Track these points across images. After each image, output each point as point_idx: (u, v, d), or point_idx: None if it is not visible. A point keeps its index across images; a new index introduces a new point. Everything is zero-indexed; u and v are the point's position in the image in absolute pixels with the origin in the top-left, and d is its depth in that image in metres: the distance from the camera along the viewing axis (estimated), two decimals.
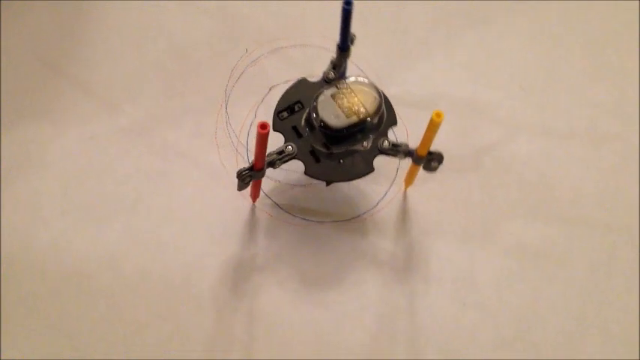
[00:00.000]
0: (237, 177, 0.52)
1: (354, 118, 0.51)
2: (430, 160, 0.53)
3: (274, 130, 0.54)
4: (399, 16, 0.68)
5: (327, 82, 0.55)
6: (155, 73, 0.64)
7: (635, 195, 0.61)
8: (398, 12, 0.68)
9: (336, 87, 0.51)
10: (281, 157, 0.54)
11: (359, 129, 0.51)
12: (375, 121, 0.52)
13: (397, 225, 0.59)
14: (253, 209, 0.59)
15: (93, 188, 0.59)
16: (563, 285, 0.57)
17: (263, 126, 0.47)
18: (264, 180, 0.60)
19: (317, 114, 0.51)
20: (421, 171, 0.57)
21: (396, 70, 0.64)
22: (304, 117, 0.53)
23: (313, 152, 0.54)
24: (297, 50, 0.61)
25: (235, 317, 0.56)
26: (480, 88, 0.65)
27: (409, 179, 0.58)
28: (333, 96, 0.51)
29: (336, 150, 0.53)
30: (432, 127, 0.50)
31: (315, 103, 0.51)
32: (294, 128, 0.54)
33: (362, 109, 0.51)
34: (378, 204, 0.60)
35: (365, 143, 0.53)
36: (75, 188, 0.59)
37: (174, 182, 0.60)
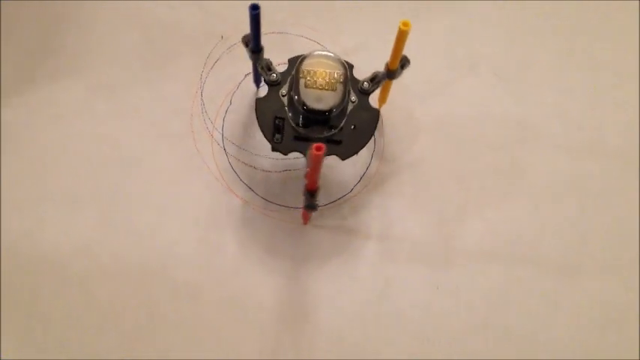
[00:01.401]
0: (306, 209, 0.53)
1: (339, 88, 0.52)
2: (402, 66, 0.55)
3: (289, 60, 0.56)
4: (372, 2, 0.68)
5: (272, 84, 0.55)
6: (131, 59, 0.64)
7: (607, 180, 0.62)
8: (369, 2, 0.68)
9: (298, 76, 0.53)
10: (264, 69, 0.55)
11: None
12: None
13: (372, 210, 0.59)
14: (229, 195, 0.59)
15: (68, 175, 0.59)
16: (535, 269, 0.58)
17: (318, 148, 0.44)
18: (240, 167, 0.60)
19: (305, 105, 0.52)
20: (397, 157, 0.57)
21: (370, 54, 0.65)
22: (289, 118, 0.55)
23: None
24: (272, 37, 0.61)
25: (211, 302, 0.56)
26: (454, 74, 0.65)
27: (383, 97, 0.59)
28: (305, 85, 0.52)
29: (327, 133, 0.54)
30: (401, 38, 0.51)
31: (297, 97, 0.52)
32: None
33: (335, 76, 0.53)
34: (352, 189, 0.60)
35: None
36: (49, 175, 0.59)
37: (150, 168, 0.60)
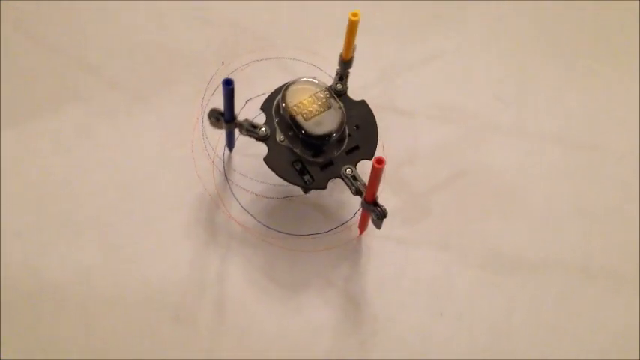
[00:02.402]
0: (208, 114, 0.53)
1: (332, 103, 0.54)
2: (373, 211, 0.52)
3: (261, 108, 0.56)
4: (374, 22, 0.68)
5: (265, 139, 0.55)
6: (132, 85, 0.64)
7: (608, 202, 0.62)
8: (374, 18, 0.68)
9: (293, 116, 0.53)
10: (250, 130, 0.54)
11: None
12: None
13: (374, 237, 0.59)
14: (229, 222, 0.59)
15: (68, 201, 0.59)
16: (537, 294, 0.58)
17: (379, 161, 0.46)
18: (241, 193, 0.60)
19: (304, 129, 0.53)
20: (397, 180, 0.58)
21: (373, 78, 0.65)
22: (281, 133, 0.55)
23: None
24: (273, 63, 0.61)
25: (211, 328, 0.55)
26: (454, 96, 0.65)
27: (362, 225, 0.58)
28: (305, 119, 0.53)
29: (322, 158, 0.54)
30: (352, 28, 0.52)
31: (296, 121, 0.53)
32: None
33: (321, 95, 0.53)
34: (354, 215, 0.60)
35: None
36: (49, 201, 0.59)
37: (151, 195, 0.60)
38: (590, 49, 0.68)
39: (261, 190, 0.60)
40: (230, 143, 0.58)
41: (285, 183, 0.55)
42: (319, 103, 0.54)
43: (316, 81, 0.54)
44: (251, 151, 0.60)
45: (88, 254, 0.57)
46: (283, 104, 0.54)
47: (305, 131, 0.53)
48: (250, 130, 0.54)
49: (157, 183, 0.60)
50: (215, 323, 0.56)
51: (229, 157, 0.61)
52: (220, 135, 0.62)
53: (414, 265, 0.58)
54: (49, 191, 0.59)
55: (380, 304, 0.57)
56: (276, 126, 0.55)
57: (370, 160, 0.55)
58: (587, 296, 0.58)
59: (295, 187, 0.58)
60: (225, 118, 0.53)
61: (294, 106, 0.53)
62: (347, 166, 0.55)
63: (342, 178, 0.54)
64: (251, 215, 0.59)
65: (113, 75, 0.64)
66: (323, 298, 0.57)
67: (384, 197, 0.60)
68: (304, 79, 0.54)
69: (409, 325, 0.56)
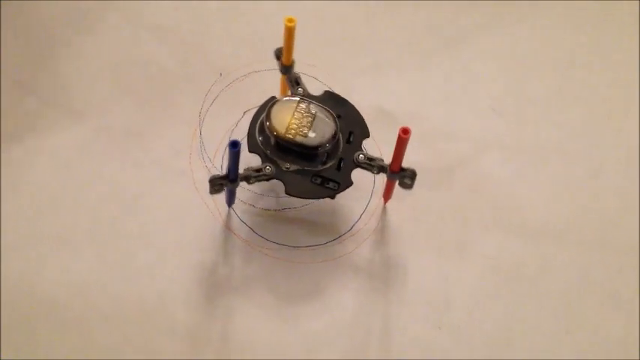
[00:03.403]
0: (210, 182, 0.53)
1: (316, 111, 0.54)
2: (403, 176, 0.54)
3: (250, 151, 0.55)
4: (373, 36, 0.68)
5: (354, 162, 0.56)
6: (129, 97, 0.64)
7: (607, 213, 0.62)
8: (372, 33, 0.68)
9: (289, 140, 0.54)
10: (257, 175, 0.54)
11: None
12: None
13: (372, 249, 0.59)
14: (227, 233, 0.59)
15: (66, 215, 0.59)
16: (537, 306, 0.58)
17: (405, 131, 0.50)
18: (239, 205, 0.60)
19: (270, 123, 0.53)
20: (395, 192, 0.57)
21: (370, 89, 0.65)
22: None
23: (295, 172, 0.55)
24: (270, 74, 0.61)
25: (210, 342, 0.55)
26: (452, 109, 0.65)
27: (387, 194, 0.59)
28: (304, 136, 0.54)
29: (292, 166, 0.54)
30: (400, 144, 0.51)
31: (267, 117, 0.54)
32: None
33: (302, 108, 0.54)
34: (352, 227, 0.60)
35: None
36: (47, 216, 0.58)
37: (149, 207, 0.59)
38: (588, 60, 0.69)
39: (259, 202, 0.60)
40: (231, 200, 0.58)
41: (282, 194, 0.55)
42: (305, 114, 0.54)
43: (287, 95, 0.55)
44: (246, 163, 0.60)
45: (85, 269, 0.57)
46: (275, 133, 0.54)
47: (310, 147, 0.54)
48: (257, 175, 0.54)
49: (154, 196, 0.60)
50: (212, 337, 0.55)
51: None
52: (218, 147, 0.62)
53: (411, 278, 0.58)
54: (46, 206, 0.59)
55: (377, 317, 0.57)
56: (272, 156, 0.54)
57: (369, 137, 0.56)
58: (587, 308, 0.58)
59: (295, 199, 0.59)
60: (230, 178, 0.52)
61: (287, 132, 0.54)
62: (357, 153, 0.55)
63: (360, 165, 0.55)
64: (248, 227, 0.59)
65: (110, 88, 0.64)
66: (320, 310, 0.57)
67: (379, 207, 0.60)
68: (274, 100, 0.55)
69: (407, 338, 0.56)
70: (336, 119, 0.55)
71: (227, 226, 0.59)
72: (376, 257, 0.59)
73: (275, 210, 0.60)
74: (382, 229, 0.60)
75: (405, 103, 0.65)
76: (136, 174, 0.60)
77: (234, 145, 0.49)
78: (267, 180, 0.55)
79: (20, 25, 0.66)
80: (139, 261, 0.57)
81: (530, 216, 0.61)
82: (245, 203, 0.60)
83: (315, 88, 0.59)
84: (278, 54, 0.57)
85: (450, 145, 0.64)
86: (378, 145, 0.62)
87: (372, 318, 0.57)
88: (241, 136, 0.61)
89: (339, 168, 0.55)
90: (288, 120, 0.54)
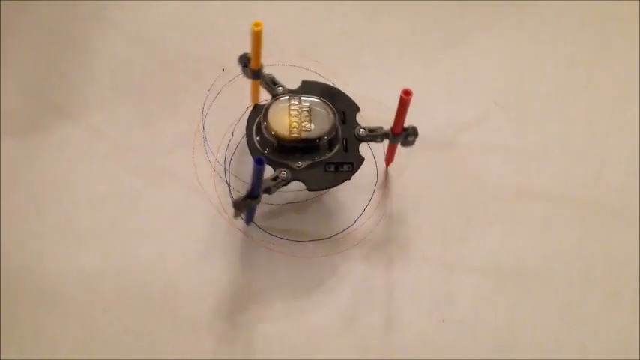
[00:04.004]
0: (235, 206, 0.52)
1: (309, 103, 0.55)
2: (406, 136, 0.55)
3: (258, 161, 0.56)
4: (376, 33, 0.68)
5: (356, 136, 0.57)
6: (133, 92, 0.64)
7: (610, 210, 0.61)
8: (375, 29, 0.68)
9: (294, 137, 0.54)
10: (276, 183, 0.54)
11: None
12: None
13: (375, 243, 0.59)
14: (230, 228, 0.59)
15: (69, 210, 0.59)
16: (539, 301, 0.58)
17: (407, 92, 0.50)
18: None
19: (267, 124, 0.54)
20: (397, 187, 0.57)
21: (372, 85, 0.65)
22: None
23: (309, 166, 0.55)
24: (273, 69, 0.61)
25: (212, 335, 0.55)
26: (454, 104, 0.65)
27: (389, 158, 0.60)
28: (306, 130, 0.54)
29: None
30: (402, 105, 0.52)
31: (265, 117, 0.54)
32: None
33: (296, 103, 0.54)
34: (355, 222, 0.60)
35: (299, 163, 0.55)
36: (50, 211, 0.59)
37: (152, 202, 0.59)
38: (590, 56, 0.69)
39: (263, 197, 0.60)
40: (250, 217, 0.58)
41: (284, 189, 0.55)
42: (300, 110, 0.54)
43: (279, 95, 0.55)
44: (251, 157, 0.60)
45: (88, 261, 0.57)
46: (279, 137, 0.54)
47: (318, 139, 0.54)
48: (276, 184, 0.54)
49: (158, 191, 0.60)
50: (215, 329, 0.55)
51: (230, 163, 0.61)
52: (221, 142, 0.62)
53: (415, 272, 0.58)
54: (50, 198, 0.59)
55: (381, 311, 0.57)
56: (279, 159, 0.55)
57: (360, 110, 0.57)
58: (589, 304, 0.58)
59: (297, 194, 0.59)
60: (252, 195, 0.52)
61: (290, 133, 0.54)
62: (356, 129, 0.56)
63: (363, 139, 0.56)
64: (252, 221, 0.59)
65: (114, 83, 0.64)
66: (323, 304, 0.57)
67: (382, 203, 0.60)
68: (268, 103, 0.55)
69: (411, 332, 0.56)
70: (330, 104, 0.55)
71: (230, 221, 0.59)
72: (379, 251, 0.59)
73: (278, 205, 0.60)
74: (385, 224, 0.60)
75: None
76: (138, 168, 0.60)
77: (260, 163, 0.48)
78: (286, 184, 0.55)
79: (21, 25, 0.66)
80: (142, 255, 0.57)
81: (533, 212, 0.61)
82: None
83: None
84: (245, 61, 0.56)
85: (453, 139, 0.64)
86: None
87: (375, 312, 0.57)
88: (244, 130, 0.61)
89: (346, 149, 0.56)
90: (287, 120, 0.54)
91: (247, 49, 0.65)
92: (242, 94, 0.62)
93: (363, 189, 0.61)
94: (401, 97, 0.51)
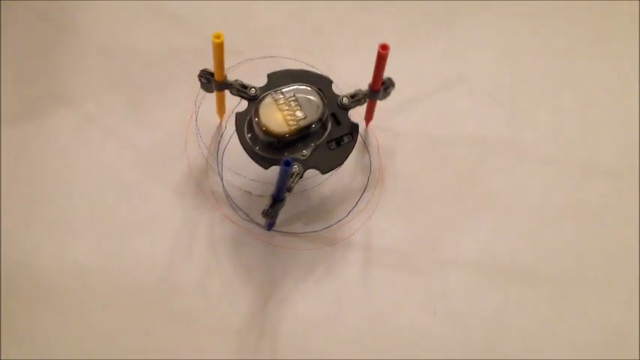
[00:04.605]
0: (267, 215, 0.53)
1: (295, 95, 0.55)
2: (385, 88, 0.56)
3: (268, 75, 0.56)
4: (367, 22, 0.68)
5: (338, 105, 0.56)
6: (125, 85, 0.64)
7: (602, 203, 0.62)
8: (366, 18, 0.68)
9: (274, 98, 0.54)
10: (293, 179, 0.54)
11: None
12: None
13: (367, 236, 0.59)
14: (224, 221, 0.59)
15: (63, 202, 0.59)
16: (531, 294, 0.58)
17: (384, 47, 0.51)
18: (235, 192, 0.60)
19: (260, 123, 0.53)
20: (391, 181, 0.57)
21: (365, 75, 0.65)
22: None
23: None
24: (265, 62, 0.61)
25: (207, 328, 0.55)
26: (449, 96, 0.65)
27: (369, 116, 0.61)
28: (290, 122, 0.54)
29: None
30: (380, 60, 0.53)
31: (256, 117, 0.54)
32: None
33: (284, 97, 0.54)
34: (348, 214, 0.60)
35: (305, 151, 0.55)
36: (44, 202, 0.59)
37: (145, 195, 0.59)
38: (588, 48, 0.68)
39: (255, 188, 0.60)
40: (273, 222, 0.58)
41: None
42: (288, 101, 0.54)
43: (259, 97, 0.55)
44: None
45: (83, 253, 0.57)
46: (280, 134, 0.54)
47: (313, 125, 0.54)
48: (294, 177, 0.54)
49: (151, 183, 0.60)
50: (209, 323, 0.56)
51: (223, 155, 0.61)
52: (213, 134, 0.62)
53: (407, 263, 0.58)
54: (43, 191, 0.59)
55: (373, 302, 0.57)
56: (279, 154, 0.55)
57: (332, 82, 0.57)
58: (581, 296, 0.58)
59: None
60: (279, 198, 0.52)
61: (289, 127, 0.54)
62: (339, 99, 0.56)
63: (349, 107, 0.56)
64: (245, 213, 0.59)
65: (108, 75, 0.64)
66: (316, 295, 0.57)
67: (375, 195, 0.60)
68: (254, 108, 0.55)
69: (403, 323, 0.56)
70: (309, 85, 0.55)
71: (224, 213, 0.59)
72: (372, 244, 0.59)
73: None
74: (378, 216, 0.60)
75: (401, 89, 0.64)
76: (131, 161, 0.60)
77: (288, 164, 0.48)
78: (302, 177, 0.55)
79: (19, 16, 0.66)
80: (136, 247, 0.58)
81: (527, 202, 0.61)
82: (241, 190, 0.60)
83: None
84: (207, 76, 0.55)
85: (447, 131, 0.64)
86: (374, 133, 0.62)
87: (368, 304, 0.57)
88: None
89: (338, 123, 0.56)
90: (280, 116, 0.54)
91: (241, 42, 0.66)
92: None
93: (356, 182, 0.61)
94: (378, 52, 0.52)
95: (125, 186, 0.60)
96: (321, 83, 0.57)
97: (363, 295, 0.57)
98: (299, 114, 0.54)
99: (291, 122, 0.54)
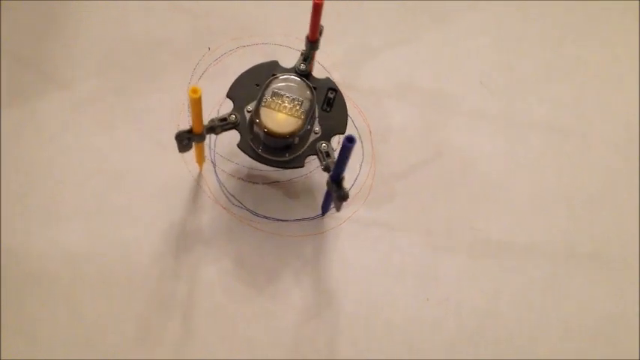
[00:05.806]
0: (176, 139, 0.52)
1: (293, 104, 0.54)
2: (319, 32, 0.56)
3: (227, 96, 0.56)
4: (363, 12, 0.68)
5: (297, 72, 0.56)
6: (118, 71, 0.63)
7: (594, 188, 0.62)
8: (362, 9, 0.68)
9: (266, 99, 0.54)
10: (222, 125, 0.54)
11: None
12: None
13: (360, 223, 0.59)
14: (216, 207, 0.59)
15: (54, 188, 0.58)
16: (523, 278, 0.58)
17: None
18: (227, 179, 0.60)
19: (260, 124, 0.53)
20: (383, 167, 0.57)
21: (361, 65, 0.65)
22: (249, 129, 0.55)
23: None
24: (259, 48, 0.60)
25: (199, 315, 0.55)
26: (442, 84, 0.65)
27: (311, 66, 0.59)
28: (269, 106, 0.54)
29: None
30: (315, 11, 0.52)
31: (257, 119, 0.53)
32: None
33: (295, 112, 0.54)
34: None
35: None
36: (36, 188, 0.58)
37: (137, 181, 0.59)
38: (578, 36, 0.69)
39: (247, 176, 0.60)
40: (327, 205, 0.58)
41: (270, 168, 0.55)
42: (283, 99, 0.54)
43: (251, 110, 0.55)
44: (237, 138, 0.59)
45: (73, 240, 0.57)
46: (291, 134, 0.53)
47: (313, 103, 0.54)
48: (326, 163, 0.54)
49: (142, 170, 0.60)
50: (202, 311, 0.55)
51: (215, 143, 0.61)
52: (206, 120, 0.62)
53: (399, 251, 0.58)
54: (34, 179, 0.59)
55: (366, 289, 0.57)
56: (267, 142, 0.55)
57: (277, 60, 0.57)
58: (573, 279, 0.58)
59: (284, 173, 0.59)
60: (338, 178, 0.51)
61: (298, 118, 0.53)
62: (295, 66, 0.56)
63: (305, 71, 0.56)
64: (237, 200, 0.59)
65: (100, 63, 0.64)
66: (309, 282, 0.57)
67: (368, 181, 0.60)
68: (256, 104, 0.54)
69: (396, 310, 0.56)
70: (298, 76, 0.55)
71: (216, 200, 0.59)
72: (364, 231, 0.59)
73: (264, 184, 0.60)
74: (371, 203, 0.60)
75: (394, 78, 0.65)
76: (123, 147, 0.60)
77: (351, 141, 0.46)
78: (326, 169, 0.54)
79: (13, 3, 0.65)
80: (126, 233, 0.57)
81: (519, 189, 0.61)
82: (234, 177, 0.60)
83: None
84: (186, 137, 0.53)
85: (439, 119, 0.64)
86: (367, 122, 0.62)
87: (361, 291, 0.57)
88: (229, 109, 0.61)
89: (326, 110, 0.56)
90: (283, 116, 0.54)
91: (234, 28, 0.65)
92: (227, 73, 0.62)
93: (349, 169, 0.60)
94: (314, 2, 0.51)
95: (116, 173, 0.59)
96: (270, 69, 0.56)
97: (355, 281, 0.57)
98: (299, 108, 0.53)
99: (297, 115, 0.54)
